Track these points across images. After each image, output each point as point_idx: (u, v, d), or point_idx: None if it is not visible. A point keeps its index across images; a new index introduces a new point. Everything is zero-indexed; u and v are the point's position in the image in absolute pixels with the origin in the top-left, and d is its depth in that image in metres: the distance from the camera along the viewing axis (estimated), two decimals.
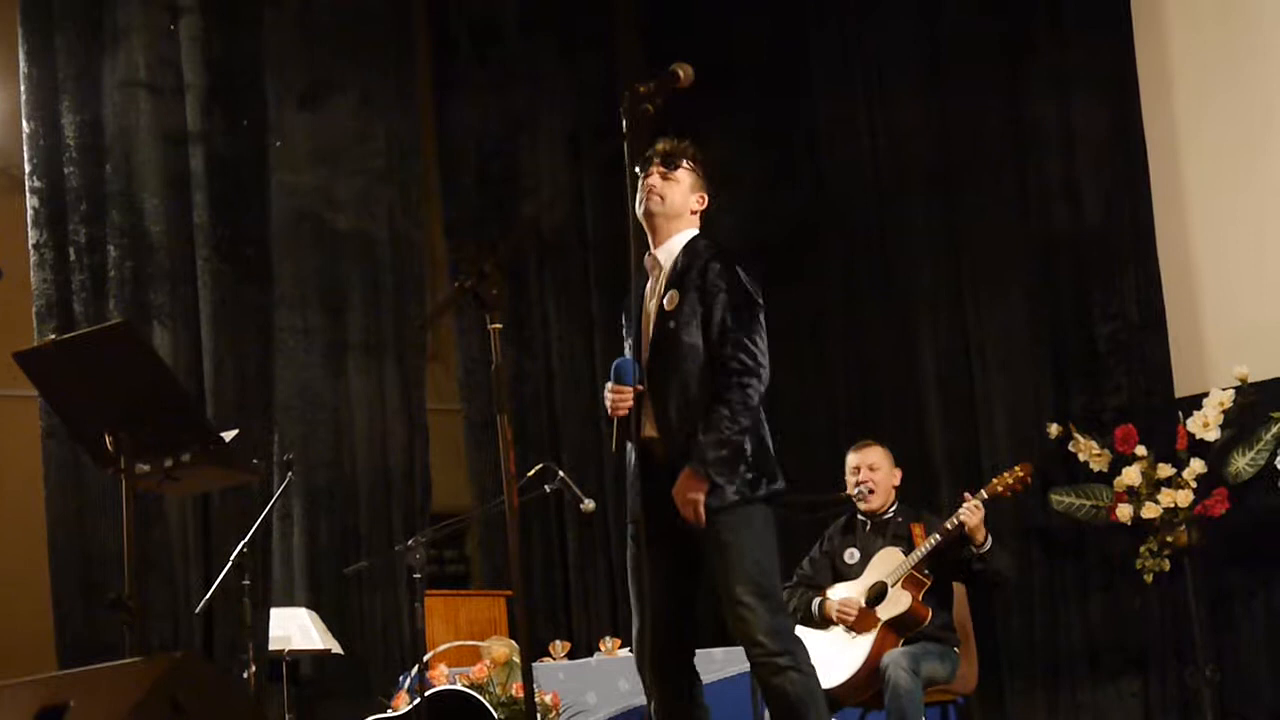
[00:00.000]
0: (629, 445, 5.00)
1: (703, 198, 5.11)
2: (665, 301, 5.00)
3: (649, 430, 4.97)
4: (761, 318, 4.97)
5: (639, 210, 5.09)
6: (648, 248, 5.12)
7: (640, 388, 4.91)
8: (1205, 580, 7.80)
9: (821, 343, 9.43)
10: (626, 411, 4.89)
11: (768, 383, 4.92)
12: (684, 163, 5.07)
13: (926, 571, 6.46)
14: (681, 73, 4.56)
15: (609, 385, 4.95)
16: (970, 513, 6.36)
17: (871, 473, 6.67)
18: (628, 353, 5.10)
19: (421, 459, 8.83)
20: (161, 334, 7.82)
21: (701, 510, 4.81)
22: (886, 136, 9.29)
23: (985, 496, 6.46)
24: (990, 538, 6.42)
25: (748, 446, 4.90)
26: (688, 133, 5.19)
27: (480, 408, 9.17)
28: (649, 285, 5.13)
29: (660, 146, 5.08)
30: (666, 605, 4.95)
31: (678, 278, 5.01)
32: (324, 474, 8.44)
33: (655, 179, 5.06)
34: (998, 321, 8.73)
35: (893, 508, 6.72)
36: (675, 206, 5.07)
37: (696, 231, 5.12)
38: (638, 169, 5.08)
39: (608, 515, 9.14)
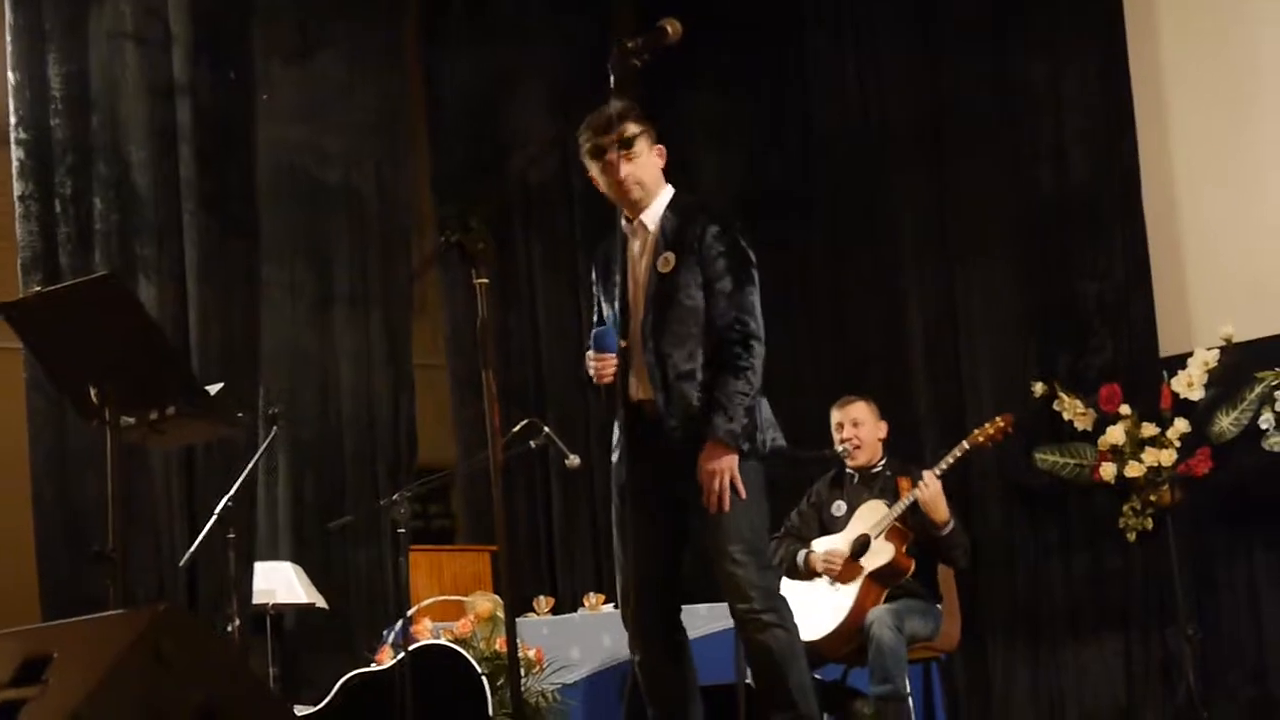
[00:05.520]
0: (619, 409, 4.99)
1: (661, 150, 5.08)
2: (659, 263, 4.98)
3: (640, 392, 4.98)
4: (756, 278, 4.97)
5: (613, 196, 5.04)
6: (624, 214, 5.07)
7: (624, 344, 4.91)
8: (1188, 540, 7.83)
9: (808, 301, 9.42)
10: (612, 378, 4.88)
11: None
12: (630, 128, 4.98)
13: (910, 524, 6.49)
14: (670, 28, 4.51)
15: (590, 354, 4.91)
16: (921, 489, 6.37)
17: (855, 428, 6.70)
18: (606, 315, 5.09)
19: (407, 414, 8.80)
20: (147, 287, 7.77)
21: (728, 479, 4.82)
22: (876, 97, 9.27)
23: (967, 447, 6.49)
24: (953, 522, 6.43)
25: (757, 410, 4.92)
26: (643, 91, 5.13)
27: (466, 363, 9.15)
28: (635, 247, 5.10)
29: (604, 131, 4.95)
30: (655, 564, 4.97)
31: (673, 239, 4.98)
32: (309, 428, 8.42)
33: (624, 167, 4.98)
34: (984, 279, 8.73)
35: (881, 462, 6.74)
36: (650, 181, 5.06)
37: (672, 188, 5.10)
38: (587, 158, 5.01)
39: (593, 471, 9.10)
